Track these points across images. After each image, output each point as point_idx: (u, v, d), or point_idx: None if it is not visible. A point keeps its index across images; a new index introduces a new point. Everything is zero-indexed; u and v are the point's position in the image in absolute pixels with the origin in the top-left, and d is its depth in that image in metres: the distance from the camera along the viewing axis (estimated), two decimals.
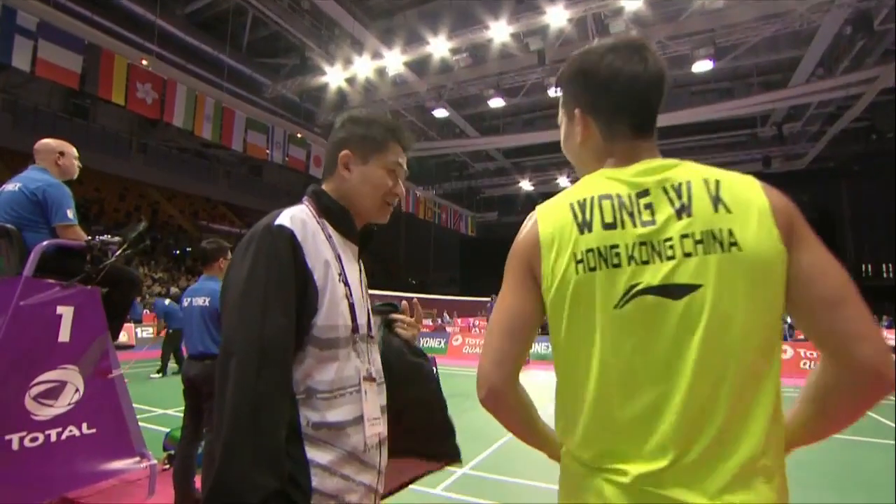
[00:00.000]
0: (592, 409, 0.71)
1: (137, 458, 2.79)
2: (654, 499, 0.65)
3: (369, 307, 1.03)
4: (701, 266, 0.67)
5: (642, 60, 0.77)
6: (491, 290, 18.53)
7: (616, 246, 0.71)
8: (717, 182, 0.71)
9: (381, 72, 13.27)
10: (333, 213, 0.98)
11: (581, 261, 0.72)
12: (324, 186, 1.02)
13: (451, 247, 31.23)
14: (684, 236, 0.69)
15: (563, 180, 20.92)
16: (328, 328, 0.88)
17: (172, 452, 3.52)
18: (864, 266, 23.57)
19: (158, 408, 5.45)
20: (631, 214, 0.72)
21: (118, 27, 12.62)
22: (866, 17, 9.81)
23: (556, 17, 10.37)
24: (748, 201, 0.69)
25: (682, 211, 0.70)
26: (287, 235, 0.86)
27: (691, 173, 0.73)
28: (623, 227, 0.71)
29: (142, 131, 19.62)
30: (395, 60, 12.44)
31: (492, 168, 22.87)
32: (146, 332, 11.99)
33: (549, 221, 0.76)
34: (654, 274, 0.69)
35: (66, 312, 2.47)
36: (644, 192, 0.73)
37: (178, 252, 19.46)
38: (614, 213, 0.72)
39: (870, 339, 0.65)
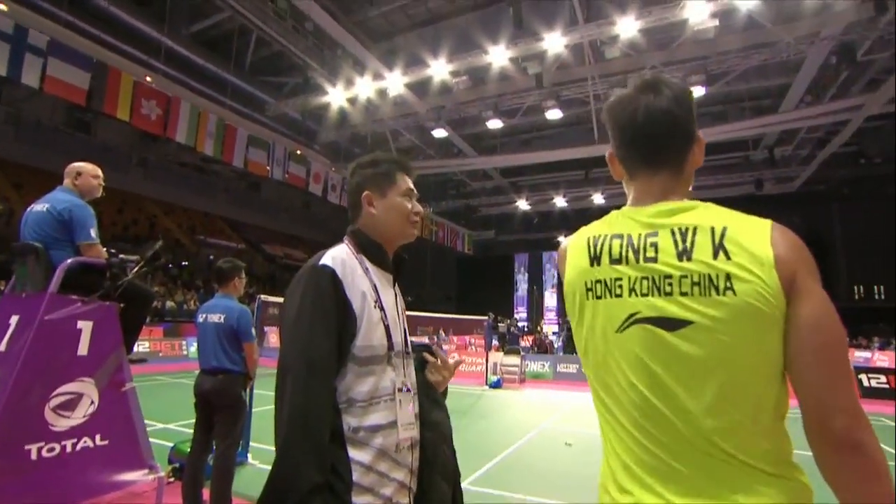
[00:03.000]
0: (605, 422, 0.85)
1: (146, 471, 2.84)
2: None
3: (405, 326, 1.16)
4: (693, 305, 0.74)
5: (651, 95, 0.83)
6: (487, 307, 18.58)
7: (620, 279, 0.81)
8: (724, 229, 0.76)
9: (382, 92, 13.56)
10: (369, 249, 1.13)
11: (590, 289, 0.84)
12: (357, 226, 1.17)
13: (447, 264, 31.34)
14: (683, 277, 0.76)
15: (559, 199, 21.20)
16: (365, 348, 1.02)
17: (178, 466, 3.57)
18: (856, 287, 23.89)
19: (160, 422, 5.48)
20: (636, 252, 0.80)
21: (125, 45, 12.86)
22: (850, 49, 10.21)
23: (554, 43, 10.70)
24: (751, 249, 0.74)
25: (684, 254, 0.77)
26: (329, 273, 1.02)
27: (702, 218, 0.79)
28: (627, 262, 0.81)
29: (142, 146, 19.78)
30: (396, 82, 12.73)
31: (489, 187, 23.14)
32: (143, 346, 11.95)
33: (571, 248, 0.90)
34: (652, 306, 0.77)
35: (85, 327, 2.56)
36: (653, 233, 0.81)
37: (172, 266, 19.45)
38: (621, 250, 0.82)
39: (846, 410, 0.68)
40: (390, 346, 1.06)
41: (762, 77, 13.64)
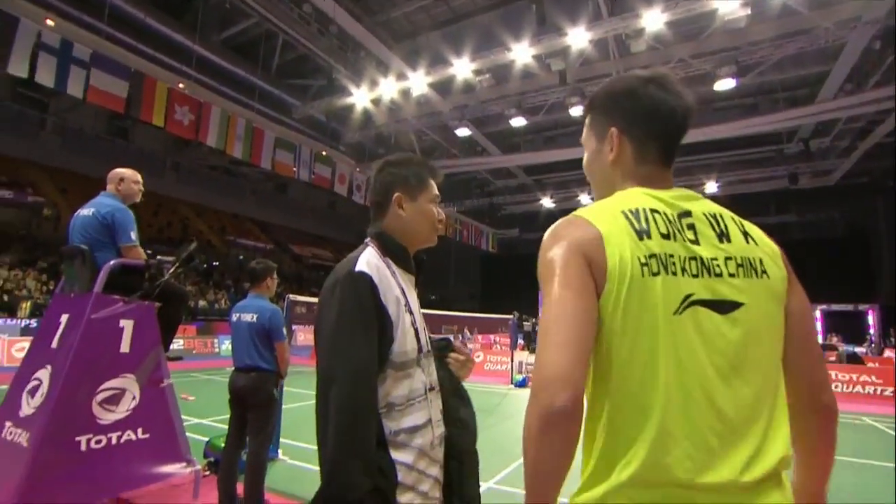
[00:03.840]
0: (661, 412, 0.70)
1: (184, 464, 2.97)
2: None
3: (425, 326, 1.19)
4: (743, 286, 0.76)
5: (678, 95, 0.85)
6: (511, 306, 18.46)
7: (672, 256, 0.76)
8: (741, 220, 0.84)
9: (405, 92, 13.65)
10: (395, 252, 1.15)
11: (645, 264, 0.73)
12: (382, 225, 1.18)
13: (471, 263, 31.32)
14: (728, 259, 0.77)
15: (584, 197, 20.87)
16: (402, 353, 1.05)
17: (212, 460, 3.71)
18: None
19: (195, 417, 5.69)
20: (678, 231, 0.78)
21: (160, 54, 13.37)
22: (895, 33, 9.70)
23: (578, 39, 10.54)
24: (764, 241, 0.83)
25: (723, 237, 0.79)
26: (367, 280, 1.03)
27: (717, 208, 0.84)
28: (675, 240, 0.77)
29: (175, 150, 20.51)
30: (419, 81, 12.79)
31: (513, 185, 22.99)
32: (177, 343, 12.40)
33: (604, 222, 0.76)
34: (705, 288, 0.75)
35: (127, 326, 2.69)
36: (686, 214, 0.80)
37: (205, 266, 20.08)
38: (667, 226, 0.78)
39: (827, 382, 0.83)
40: (419, 349, 1.09)
41: (798, 66, 13.06)
